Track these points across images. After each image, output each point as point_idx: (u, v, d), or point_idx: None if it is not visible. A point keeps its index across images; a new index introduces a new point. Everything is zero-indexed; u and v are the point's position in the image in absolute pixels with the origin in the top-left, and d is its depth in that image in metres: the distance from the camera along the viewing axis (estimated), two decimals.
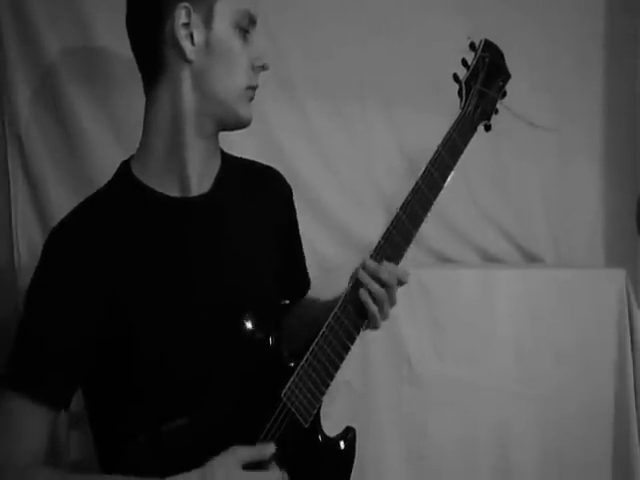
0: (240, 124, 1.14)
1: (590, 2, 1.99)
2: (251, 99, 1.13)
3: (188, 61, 1.07)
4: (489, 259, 1.94)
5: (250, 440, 1.03)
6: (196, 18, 1.06)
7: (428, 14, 1.78)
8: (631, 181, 2.02)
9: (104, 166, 1.49)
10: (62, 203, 1.50)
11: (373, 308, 1.09)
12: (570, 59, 1.96)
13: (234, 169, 1.20)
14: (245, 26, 1.09)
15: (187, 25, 1.06)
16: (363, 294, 1.08)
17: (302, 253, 1.34)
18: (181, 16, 1.05)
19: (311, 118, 1.71)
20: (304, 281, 1.35)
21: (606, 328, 1.86)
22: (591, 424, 1.84)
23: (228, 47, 1.08)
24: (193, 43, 1.06)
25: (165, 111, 1.09)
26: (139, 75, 1.44)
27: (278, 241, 1.23)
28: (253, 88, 1.13)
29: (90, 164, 1.52)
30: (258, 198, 1.22)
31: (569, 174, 2.01)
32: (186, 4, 1.05)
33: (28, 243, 1.52)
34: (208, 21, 1.07)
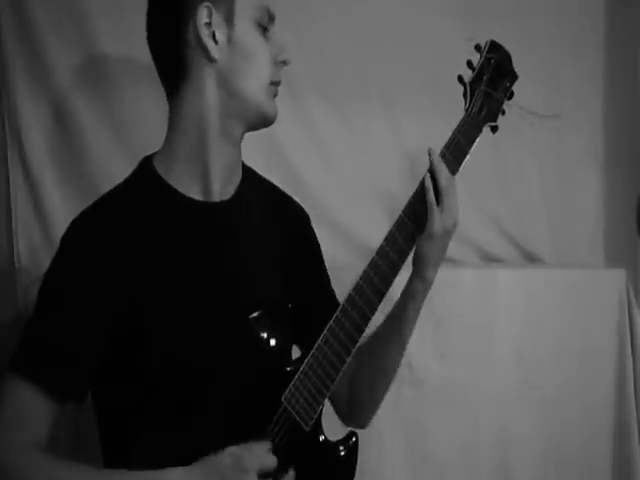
0: (266, 120, 1.14)
1: (590, 3, 1.99)
2: (275, 95, 1.14)
3: (212, 60, 1.08)
4: (489, 259, 1.94)
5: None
6: (217, 17, 1.07)
7: (431, 15, 1.78)
8: (631, 182, 2.02)
9: (104, 167, 1.50)
10: (62, 204, 1.50)
11: (432, 198, 1.11)
12: (570, 59, 1.96)
13: (254, 183, 1.21)
14: (265, 23, 1.10)
15: (209, 24, 1.07)
16: (427, 182, 1.11)
17: (328, 285, 1.30)
18: (203, 16, 1.06)
19: (312, 119, 1.71)
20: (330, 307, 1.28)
21: (606, 328, 1.87)
22: (591, 424, 1.84)
23: (250, 44, 1.09)
24: (216, 42, 1.07)
25: (190, 113, 1.10)
26: (140, 77, 1.45)
27: (295, 266, 1.22)
28: (276, 84, 1.13)
29: (90, 165, 1.52)
30: (273, 218, 1.22)
31: (569, 174, 2.01)
32: (207, 4, 1.06)
33: (28, 243, 1.51)
34: (229, 19, 1.08)
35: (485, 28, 1.78)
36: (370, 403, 1.27)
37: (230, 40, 1.08)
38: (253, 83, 1.10)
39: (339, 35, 1.70)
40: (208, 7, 1.06)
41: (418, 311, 1.21)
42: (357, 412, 1.27)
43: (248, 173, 1.21)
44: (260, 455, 1.00)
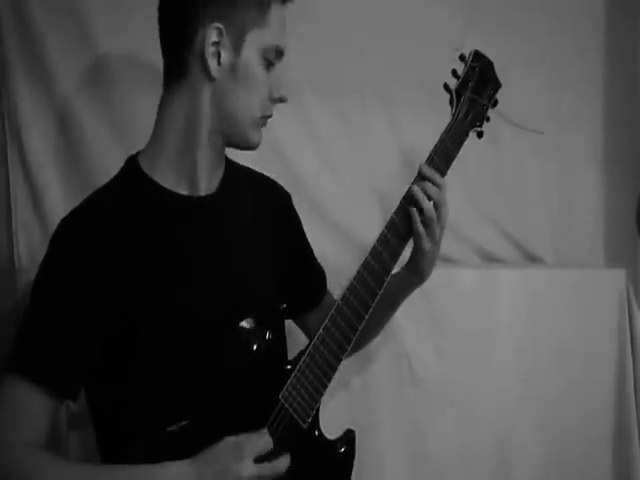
0: (248, 148, 1.16)
1: (591, 3, 1.99)
2: (263, 125, 1.15)
3: (211, 78, 1.08)
4: (489, 259, 1.94)
5: None
6: (226, 41, 1.08)
7: (430, 15, 1.78)
8: (631, 181, 2.01)
9: (104, 166, 1.49)
10: (62, 203, 1.51)
11: (420, 228, 1.15)
12: (570, 59, 1.96)
13: (236, 174, 1.23)
14: (271, 58, 1.11)
15: (217, 44, 1.07)
16: (414, 213, 1.15)
17: (312, 255, 1.36)
18: (212, 35, 1.07)
19: (311, 118, 1.71)
20: (318, 283, 1.37)
21: (606, 328, 1.86)
22: (591, 425, 1.84)
23: (252, 75, 1.10)
24: (219, 63, 1.08)
25: (180, 114, 1.11)
26: (140, 76, 1.45)
27: (281, 246, 1.25)
28: (267, 117, 1.15)
29: (90, 164, 1.52)
30: (258, 204, 1.24)
31: (569, 174, 2.00)
32: (219, 25, 1.07)
33: (28, 243, 1.52)
34: (237, 47, 1.08)
35: (485, 28, 1.79)
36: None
37: (233, 66, 1.09)
38: (245, 112, 1.12)
39: (336, 33, 1.70)
40: (219, 29, 1.07)
41: (407, 297, 1.31)
42: None
43: (230, 164, 1.22)
44: (256, 440, 1.00)
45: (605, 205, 2.05)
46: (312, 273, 1.36)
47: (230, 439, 0.99)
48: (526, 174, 1.96)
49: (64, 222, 1.08)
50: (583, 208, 2.03)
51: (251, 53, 1.09)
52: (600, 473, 1.86)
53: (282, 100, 1.15)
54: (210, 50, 1.07)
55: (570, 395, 1.81)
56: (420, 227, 1.15)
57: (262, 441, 1.01)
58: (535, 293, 1.82)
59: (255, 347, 1.07)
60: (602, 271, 1.97)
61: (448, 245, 1.88)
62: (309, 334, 1.36)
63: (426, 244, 1.17)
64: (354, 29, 1.71)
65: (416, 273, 1.25)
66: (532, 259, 1.99)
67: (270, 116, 1.16)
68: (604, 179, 2.04)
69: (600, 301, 1.87)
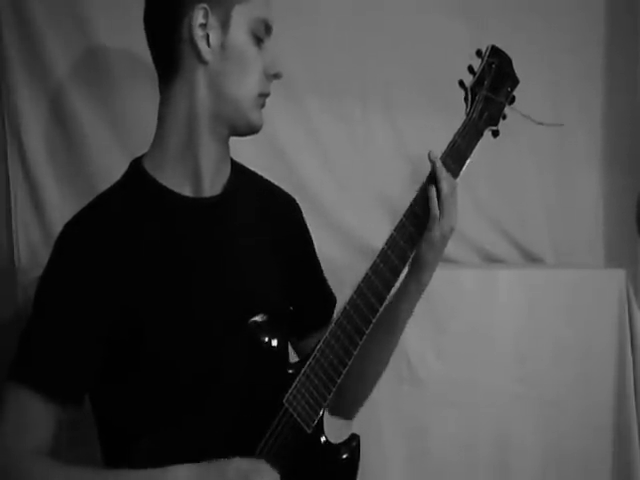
0: (251, 130, 1.15)
1: (590, 2, 1.99)
2: (262, 106, 1.14)
3: (203, 62, 1.08)
4: (489, 259, 1.94)
5: (251, 445, 1.03)
6: (213, 20, 1.07)
7: (430, 15, 1.78)
8: (631, 181, 2.01)
9: (104, 167, 1.50)
10: (62, 204, 1.51)
11: (435, 207, 1.12)
12: (570, 59, 1.96)
13: (243, 177, 1.21)
14: (261, 34, 1.11)
15: (204, 26, 1.07)
16: (431, 191, 1.12)
17: (320, 273, 1.32)
18: (199, 17, 1.06)
19: (312, 120, 1.71)
20: (324, 304, 1.31)
21: (606, 328, 1.86)
22: (591, 425, 1.84)
23: (243, 52, 1.09)
24: (209, 44, 1.07)
25: (180, 110, 1.10)
26: (140, 76, 1.45)
27: (287, 254, 1.23)
28: (265, 95, 1.14)
29: (90, 165, 1.52)
30: (265, 210, 1.22)
31: (569, 174, 2.01)
32: (204, 5, 1.06)
33: (28, 243, 1.52)
34: (225, 25, 1.08)
35: (485, 28, 1.79)
36: (359, 395, 1.28)
37: (223, 45, 1.08)
38: (242, 91, 1.10)
39: (339, 37, 1.70)
40: (205, 9, 1.06)
41: (410, 312, 1.23)
42: (345, 403, 1.26)
43: (236, 167, 1.21)
44: (268, 474, 1.00)
45: (605, 205, 2.05)
46: (318, 292, 1.31)
47: (240, 461, 0.98)
48: (525, 174, 1.96)
49: (68, 227, 1.08)
50: (583, 208, 2.04)
51: (239, 29, 1.08)
52: (599, 472, 1.86)
53: (277, 76, 1.14)
54: (199, 33, 1.06)
55: (569, 395, 1.82)
56: (436, 207, 1.12)
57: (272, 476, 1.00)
58: (535, 293, 1.82)
59: (260, 350, 1.07)
60: (601, 271, 1.97)
61: (448, 245, 1.89)
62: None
63: (436, 231, 1.12)
64: (355, 30, 1.71)
65: (416, 277, 1.19)
66: (532, 259, 1.99)
67: (268, 94, 1.14)
68: (604, 179, 2.04)
69: (599, 301, 1.87)
